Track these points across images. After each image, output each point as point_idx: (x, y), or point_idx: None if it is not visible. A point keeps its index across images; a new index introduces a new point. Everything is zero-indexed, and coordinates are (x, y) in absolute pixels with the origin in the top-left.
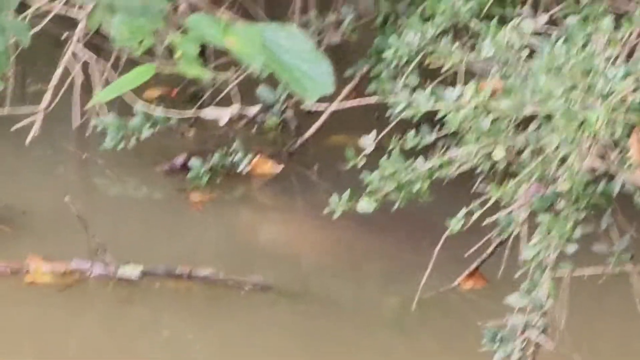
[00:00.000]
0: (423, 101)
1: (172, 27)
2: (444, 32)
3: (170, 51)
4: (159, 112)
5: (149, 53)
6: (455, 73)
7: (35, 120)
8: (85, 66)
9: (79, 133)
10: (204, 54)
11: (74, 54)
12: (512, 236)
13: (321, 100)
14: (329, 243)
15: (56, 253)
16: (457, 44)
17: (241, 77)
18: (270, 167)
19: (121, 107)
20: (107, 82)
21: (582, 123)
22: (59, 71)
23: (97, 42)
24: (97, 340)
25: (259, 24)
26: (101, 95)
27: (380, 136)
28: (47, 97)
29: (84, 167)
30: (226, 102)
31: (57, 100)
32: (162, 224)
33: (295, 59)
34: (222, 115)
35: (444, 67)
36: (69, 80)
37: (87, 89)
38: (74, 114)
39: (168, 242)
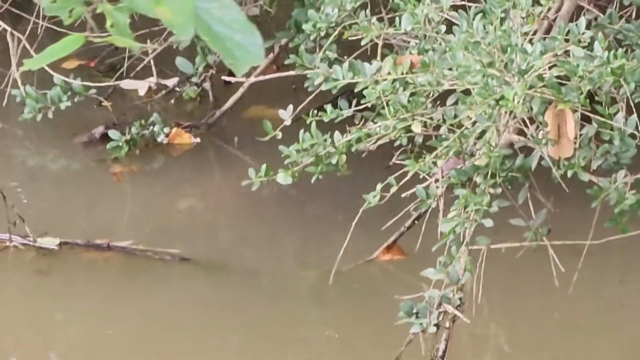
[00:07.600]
0: (341, 74)
1: None
2: (363, 6)
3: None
4: (77, 82)
5: (72, 24)
6: (374, 47)
7: None
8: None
9: None
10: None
11: None
12: (430, 210)
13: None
14: (247, 215)
15: None
16: (375, 17)
17: (160, 49)
18: (189, 139)
19: (39, 77)
20: (23, 53)
21: (499, 99)
22: None
23: (15, 12)
24: (14, 312)
25: None
26: (30, 63)
27: (299, 109)
28: None
29: (2, 137)
30: (145, 73)
31: None
32: (81, 195)
33: (228, 29)
34: (140, 86)
35: (363, 40)
36: None
37: (3, 61)
38: None
39: (87, 213)
